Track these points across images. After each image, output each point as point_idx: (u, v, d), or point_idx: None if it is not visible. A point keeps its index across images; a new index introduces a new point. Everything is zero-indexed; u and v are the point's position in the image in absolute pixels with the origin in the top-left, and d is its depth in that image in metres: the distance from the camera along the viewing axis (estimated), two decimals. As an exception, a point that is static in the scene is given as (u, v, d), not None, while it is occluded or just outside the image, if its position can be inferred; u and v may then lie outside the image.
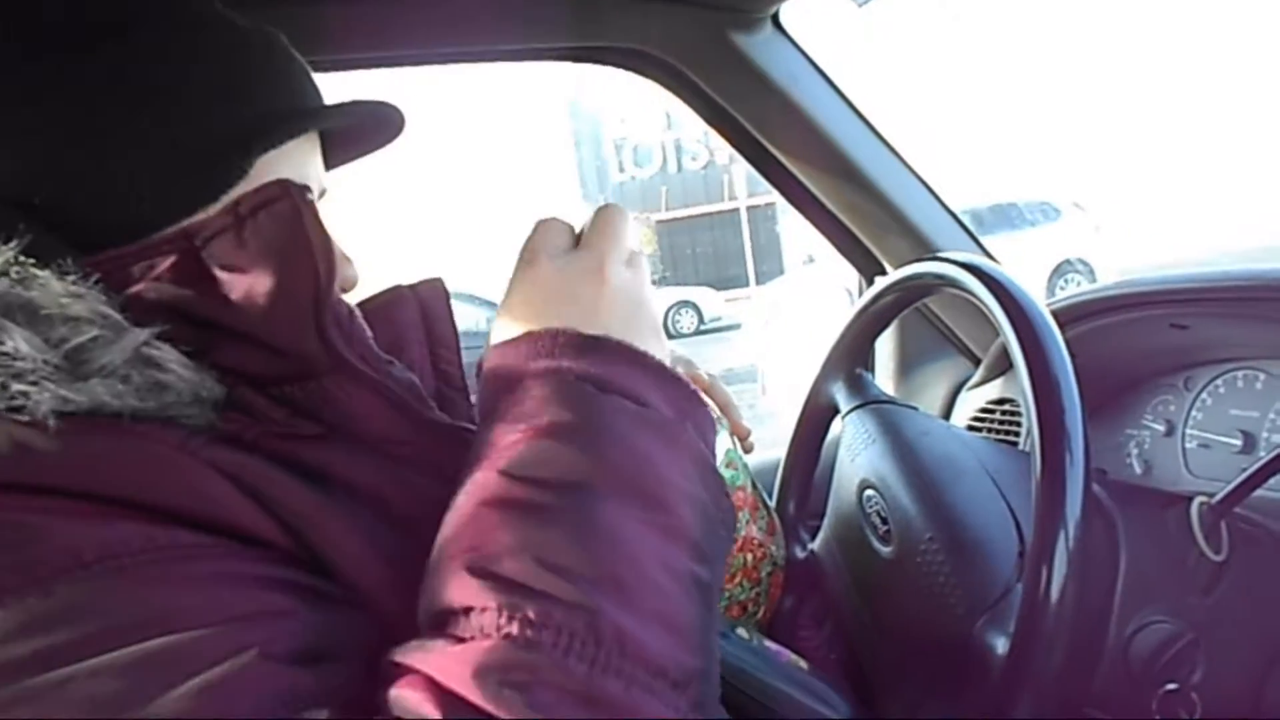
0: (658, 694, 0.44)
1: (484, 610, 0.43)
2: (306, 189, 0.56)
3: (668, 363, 0.56)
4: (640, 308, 0.57)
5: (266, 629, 0.45)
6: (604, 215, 0.59)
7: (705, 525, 0.51)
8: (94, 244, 0.52)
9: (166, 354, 0.51)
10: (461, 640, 0.43)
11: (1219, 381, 1.02)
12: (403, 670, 0.44)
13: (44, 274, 0.49)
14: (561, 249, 0.58)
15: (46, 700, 0.39)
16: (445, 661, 0.42)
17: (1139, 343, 1.08)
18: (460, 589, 0.45)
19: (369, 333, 0.62)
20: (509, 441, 0.49)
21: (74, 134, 0.52)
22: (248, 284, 0.53)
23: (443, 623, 0.45)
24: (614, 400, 0.51)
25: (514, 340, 0.54)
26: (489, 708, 0.40)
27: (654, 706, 0.43)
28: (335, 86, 0.67)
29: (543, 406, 0.50)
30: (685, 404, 0.55)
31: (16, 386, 0.46)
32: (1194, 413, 1.04)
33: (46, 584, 0.42)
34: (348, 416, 0.58)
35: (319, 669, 0.46)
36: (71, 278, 0.49)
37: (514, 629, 0.42)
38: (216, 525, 0.48)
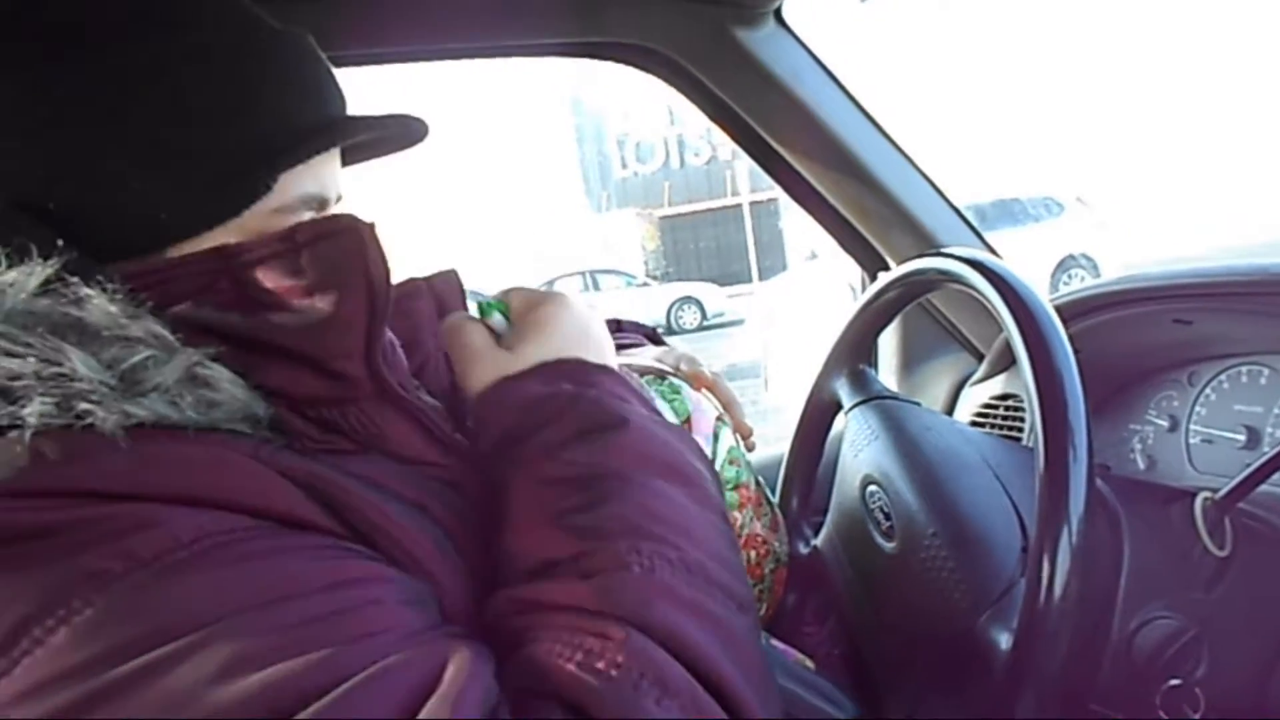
0: (729, 610, 0.52)
1: (583, 554, 0.51)
2: (374, 225, 0.58)
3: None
4: (596, 335, 0.67)
5: (369, 587, 0.48)
6: (518, 295, 0.68)
7: (716, 487, 0.61)
8: (113, 255, 0.52)
9: (218, 373, 0.52)
10: (585, 578, 0.50)
11: (1223, 377, 1.02)
12: (534, 606, 0.50)
13: (94, 293, 0.49)
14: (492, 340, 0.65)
15: (186, 662, 0.40)
16: (569, 590, 0.49)
17: (1142, 338, 1.08)
18: (554, 542, 0.52)
19: (404, 360, 0.66)
20: (554, 446, 0.56)
21: (94, 141, 0.52)
22: (302, 309, 0.55)
23: (546, 571, 0.51)
24: (632, 406, 0.60)
25: (524, 371, 0.61)
26: (616, 613, 0.47)
27: (739, 621, 0.52)
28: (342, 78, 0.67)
29: (577, 418, 0.58)
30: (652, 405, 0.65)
31: (82, 405, 0.46)
32: (1198, 408, 1.04)
33: (151, 564, 0.43)
34: (382, 438, 0.60)
35: (428, 613, 0.50)
36: (120, 297, 0.50)
37: (616, 560, 0.50)
38: (297, 525, 0.50)
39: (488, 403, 0.60)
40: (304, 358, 0.55)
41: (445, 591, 0.54)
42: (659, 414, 0.63)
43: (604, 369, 0.63)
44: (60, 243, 0.49)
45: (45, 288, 0.48)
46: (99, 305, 0.49)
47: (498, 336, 0.65)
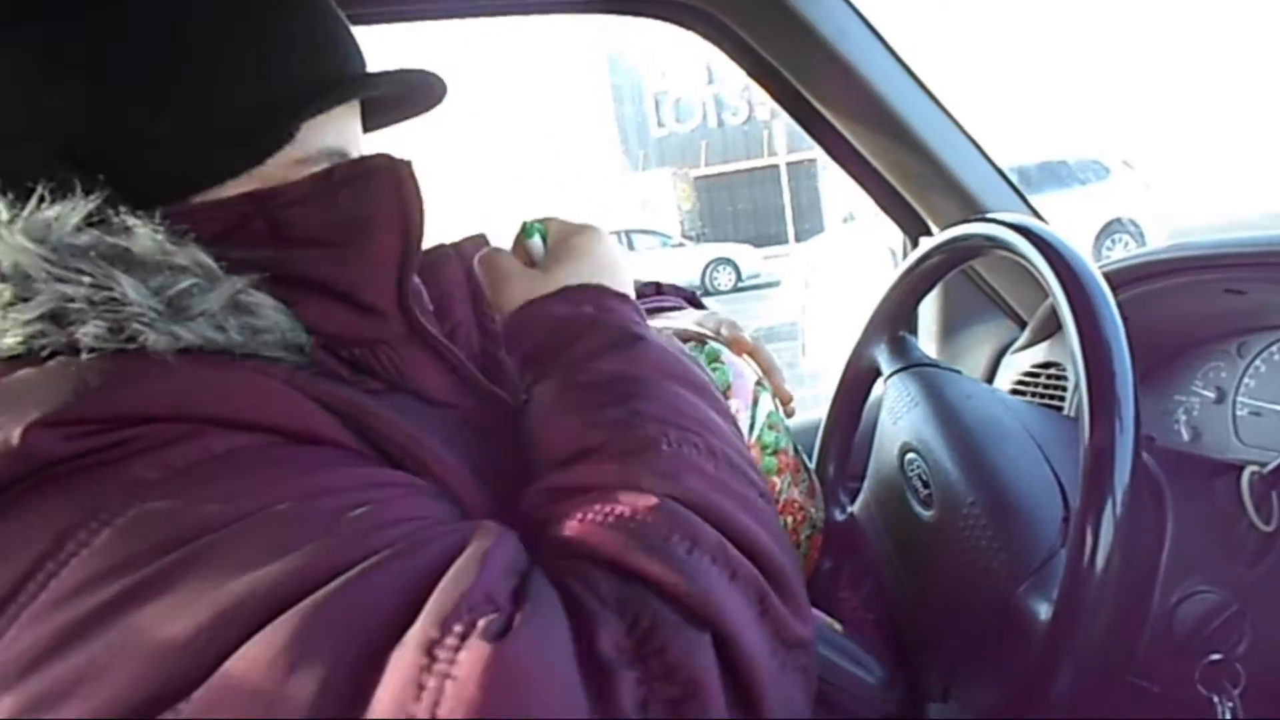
0: (749, 493, 0.54)
1: (613, 441, 0.53)
2: (410, 163, 0.59)
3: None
4: (621, 268, 0.68)
5: (406, 488, 0.51)
6: (556, 223, 0.70)
7: (722, 399, 0.63)
8: (139, 202, 0.53)
9: (260, 299, 0.54)
10: (615, 460, 0.52)
11: (1274, 348, 1.00)
12: (571, 490, 0.51)
13: (138, 223, 0.50)
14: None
15: (227, 548, 0.42)
16: (602, 469, 0.51)
17: (1192, 307, 1.06)
18: (585, 435, 0.54)
19: (428, 303, 0.68)
20: (578, 359, 0.59)
21: (121, 90, 0.52)
22: (339, 244, 0.57)
23: (584, 456, 0.53)
24: (646, 330, 0.63)
25: (552, 293, 0.63)
26: (649, 486, 0.49)
27: (759, 503, 0.54)
28: (373, 40, 0.67)
29: (598, 337, 0.60)
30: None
31: (134, 326, 0.48)
32: (1246, 380, 1.02)
33: (185, 471, 0.45)
34: (410, 379, 0.62)
35: (457, 508, 0.52)
36: (163, 228, 0.51)
37: (647, 444, 0.52)
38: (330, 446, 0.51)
39: (517, 321, 0.63)
40: (336, 291, 0.57)
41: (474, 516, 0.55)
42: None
43: (623, 296, 0.65)
44: (101, 178, 0.51)
45: (88, 222, 0.50)
46: (145, 234, 0.50)
47: (532, 260, 0.68)
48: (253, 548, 0.42)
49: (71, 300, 0.47)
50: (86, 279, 0.48)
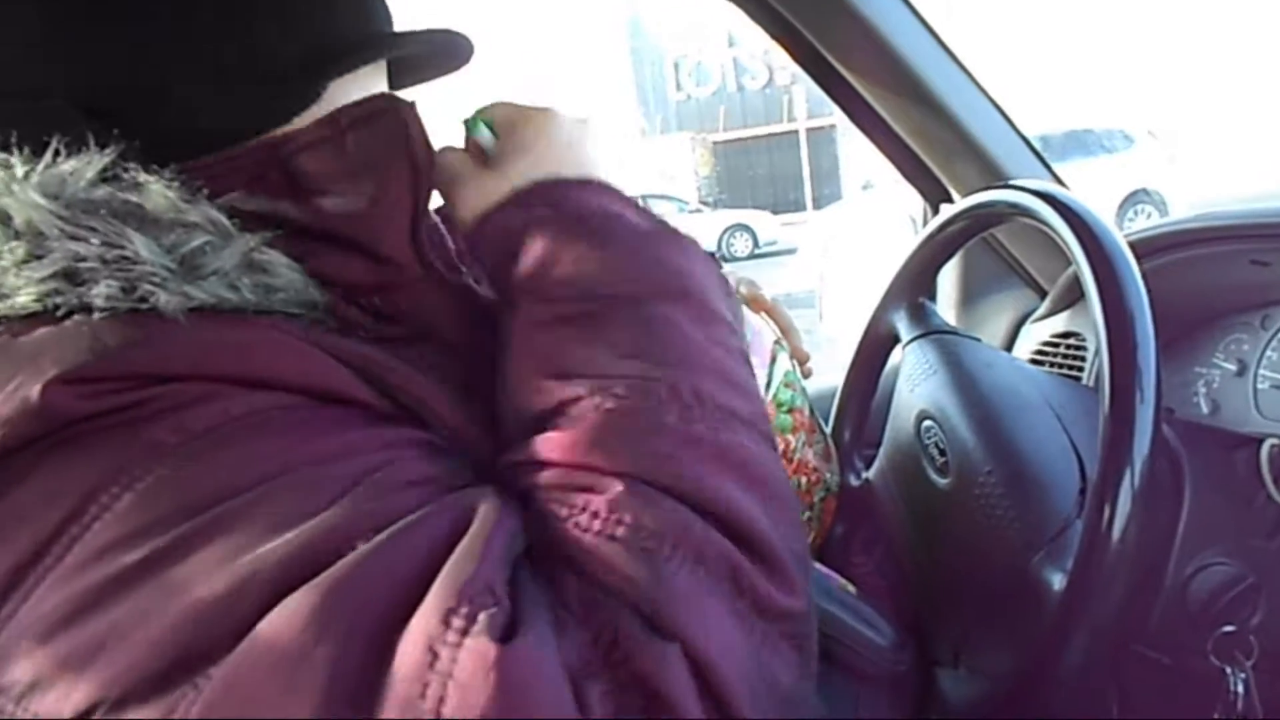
0: (736, 432, 0.51)
1: (577, 400, 0.50)
2: (414, 104, 0.58)
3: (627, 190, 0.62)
4: (580, 149, 0.61)
5: (412, 448, 0.50)
6: (502, 109, 0.64)
7: (725, 301, 0.59)
8: (163, 160, 0.52)
9: (274, 258, 0.53)
10: (570, 428, 0.49)
11: (1299, 321, 0.99)
12: (531, 466, 0.50)
13: (151, 179, 0.50)
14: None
15: (242, 516, 0.42)
16: (561, 443, 0.49)
17: (1216, 278, 1.05)
18: (548, 393, 0.51)
19: (451, 243, 0.66)
20: (547, 277, 0.55)
21: (146, 46, 0.52)
22: (350, 192, 0.56)
23: (543, 423, 0.51)
24: (624, 218, 0.57)
25: (502, 201, 0.58)
26: (609, 466, 0.47)
27: (737, 440, 0.51)
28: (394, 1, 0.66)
29: (559, 245, 0.55)
30: (664, 217, 0.60)
31: (145, 286, 0.47)
32: (1269, 352, 1.01)
33: (204, 435, 0.45)
34: (432, 324, 0.61)
35: (465, 473, 0.51)
36: (176, 184, 0.50)
37: (609, 403, 0.49)
38: (346, 404, 0.51)
39: (472, 238, 0.59)
40: (352, 243, 0.57)
41: (488, 469, 0.55)
42: (661, 219, 0.60)
43: (584, 182, 0.59)
44: (116, 132, 0.50)
45: (103, 176, 0.49)
46: (158, 190, 0.49)
47: (485, 156, 0.62)
48: (268, 515, 0.42)
49: (83, 259, 0.47)
50: (97, 237, 0.47)
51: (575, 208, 0.56)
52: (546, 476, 0.49)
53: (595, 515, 0.46)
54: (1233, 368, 1.03)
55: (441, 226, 0.67)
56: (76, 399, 0.44)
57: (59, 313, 0.47)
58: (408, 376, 0.54)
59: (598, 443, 0.48)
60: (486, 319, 0.63)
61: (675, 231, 0.59)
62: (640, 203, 0.60)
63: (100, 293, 0.46)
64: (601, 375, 0.51)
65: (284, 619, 0.39)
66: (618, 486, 0.46)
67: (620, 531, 0.45)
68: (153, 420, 0.45)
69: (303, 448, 0.46)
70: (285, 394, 0.48)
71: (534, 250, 0.55)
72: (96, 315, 0.46)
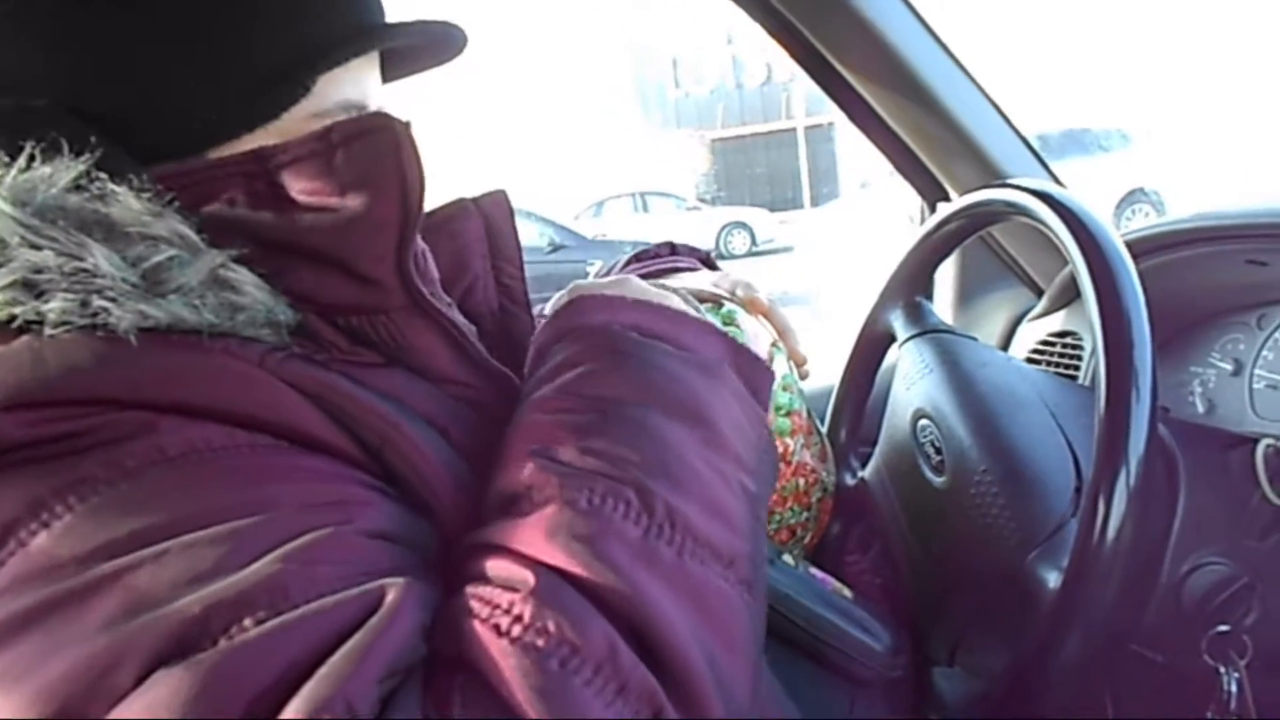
0: (707, 564, 0.49)
1: (545, 487, 0.49)
2: (409, 124, 0.56)
3: (706, 319, 0.64)
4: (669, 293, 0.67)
5: (345, 511, 0.48)
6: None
7: (746, 444, 0.57)
8: (153, 157, 0.52)
9: (242, 276, 0.52)
10: (529, 515, 0.48)
11: (1296, 321, 0.99)
12: (480, 549, 0.48)
13: (121, 190, 0.49)
14: None
15: (145, 571, 0.41)
16: (520, 532, 0.47)
17: (1213, 278, 1.05)
18: (522, 474, 0.50)
19: (435, 271, 0.65)
20: (564, 374, 0.56)
21: (135, 43, 0.51)
22: (334, 209, 0.54)
23: (509, 505, 0.50)
24: (657, 343, 0.58)
25: (564, 306, 0.62)
26: (562, 564, 0.45)
27: (705, 575, 0.49)
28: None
29: (593, 348, 0.57)
30: (727, 350, 0.62)
31: (98, 302, 0.46)
32: (1264, 352, 1.01)
33: (135, 474, 0.44)
34: (410, 351, 0.60)
35: (394, 548, 0.49)
36: (148, 195, 0.50)
37: (576, 498, 0.48)
38: (295, 437, 0.50)
39: (550, 321, 0.63)
40: (333, 260, 0.55)
41: (446, 516, 0.54)
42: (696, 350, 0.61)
43: (661, 308, 0.62)
44: (93, 139, 0.49)
45: (77, 184, 0.49)
46: (124, 202, 0.49)
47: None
48: (175, 571, 0.41)
49: (41, 270, 0.46)
50: (52, 249, 0.46)
51: (622, 323, 0.59)
52: (487, 565, 0.47)
53: (518, 620, 0.43)
54: (1228, 367, 1.03)
55: (428, 254, 0.65)
56: (15, 426, 0.43)
57: (14, 325, 0.46)
58: (370, 408, 0.53)
59: (551, 535, 0.46)
60: (468, 358, 0.63)
61: (709, 362, 0.60)
62: (711, 326, 0.63)
63: (54, 308, 0.46)
64: (580, 470, 0.50)
65: (155, 695, 0.38)
66: (552, 588, 0.44)
67: (540, 642, 0.42)
68: (86, 453, 0.44)
69: (232, 497, 0.45)
70: (223, 427, 0.47)
71: (567, 351, 0.58)
72: (48, 332, 0.45)
